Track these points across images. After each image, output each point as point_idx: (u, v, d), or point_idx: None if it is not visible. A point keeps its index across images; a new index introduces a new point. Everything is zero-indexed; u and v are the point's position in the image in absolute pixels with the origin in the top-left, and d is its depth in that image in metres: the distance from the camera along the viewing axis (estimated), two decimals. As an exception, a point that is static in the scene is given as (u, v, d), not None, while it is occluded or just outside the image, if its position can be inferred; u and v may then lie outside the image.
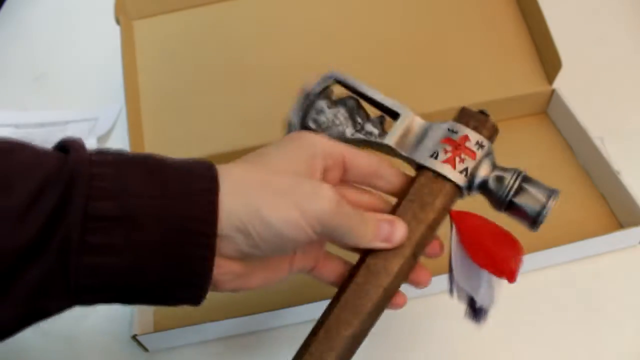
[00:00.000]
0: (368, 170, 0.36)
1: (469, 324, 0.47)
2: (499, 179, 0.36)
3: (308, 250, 0.37)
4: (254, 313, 0.46)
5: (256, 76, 0.61)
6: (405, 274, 0.35)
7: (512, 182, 0.36)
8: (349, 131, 0.39)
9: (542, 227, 0.52)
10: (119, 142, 0.66)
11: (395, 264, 0.34)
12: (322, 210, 0.30)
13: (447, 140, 0.36)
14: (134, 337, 0.46)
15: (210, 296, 0.46)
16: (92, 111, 0.70)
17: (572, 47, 0.58)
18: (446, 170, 0.35)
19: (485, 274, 0.36)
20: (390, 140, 0.38)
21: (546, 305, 0.48)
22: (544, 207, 0.36)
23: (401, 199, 0.36)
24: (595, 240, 0.48)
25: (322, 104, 0.41)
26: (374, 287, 0.33)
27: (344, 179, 0.36)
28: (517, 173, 0.37)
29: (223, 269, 0.31)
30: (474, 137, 0.36)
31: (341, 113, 0.40)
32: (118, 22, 0.62)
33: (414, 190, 0.35)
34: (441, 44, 0.62)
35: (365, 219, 0.33)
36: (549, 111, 0.62)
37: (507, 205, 0.36)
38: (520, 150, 0.59)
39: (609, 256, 0.50)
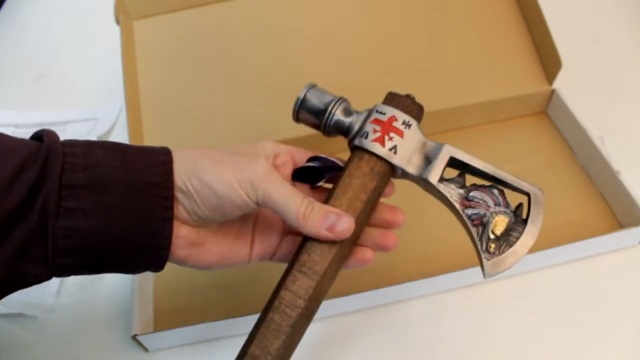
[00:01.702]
0: None
1: (469, 324, 0.48)
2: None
3: (266, 236, 0.40)
4: (253, 313, 0.46)
5: (256, 76, 0.61)
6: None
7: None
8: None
9: (543, 227, 0.52)
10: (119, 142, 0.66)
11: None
12: (253, 174, 0.34)
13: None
14: (134, 337, 0.46)
15: (211, 296, 0.46)
16: (92, 111, 0.70)
17: (572, 47, 0.58)
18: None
19: None
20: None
21: (546, 305, 0.48)
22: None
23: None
24: (595, 240, 0.48)
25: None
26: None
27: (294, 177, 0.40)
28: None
29: (176, 230, 0.34)
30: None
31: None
32: (118, 22, 0.62)
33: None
34: (441, 44, 0.62)
35: (309, 203, 0.35)
36: (549, 111, 0.62)
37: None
38: (520, 150, 0.59)
39: (609, 256, 0.50)
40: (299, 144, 0.58)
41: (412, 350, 0.47)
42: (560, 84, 0.59)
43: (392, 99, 0.39)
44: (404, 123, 0.37)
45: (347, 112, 0.39)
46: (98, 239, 0.32)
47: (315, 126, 0.41)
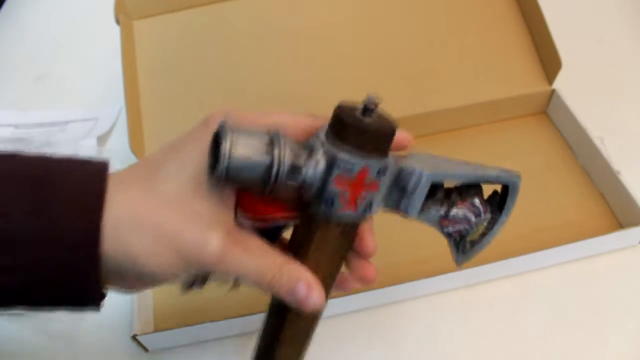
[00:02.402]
0: (302, 132, 0.32)
1: (469, 324, 0.48)
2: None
3: None
4: (253, 313, 0.46)
5: (256, 76, 0.61)
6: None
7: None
8: None
9: (543, 227, 0.53)
10: (119, 142, 0.66)
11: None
12: (204, 261, 0.29)
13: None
14: (134, 337, 0.46)
15: (211, 296, 0.46)
16: (92, 111, 0.70)
17: (572, 47, 0.58)
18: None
19: None
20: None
21: (546, 305, 0.48)
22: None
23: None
24: (595, 240, 0.48)
25: None
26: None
27: None
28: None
29: (110, 286, 0.31)
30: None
31: None
32: (118, 22, 0.62)
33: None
34: (441, 44, 0.62)
35: (280, 270, 0.30)
36: (549, 111, 0.62)
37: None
38: (520, 150, 0.59)
39: (609, 256, 0.50)
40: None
41: (411, 350, 0.47)
42: (560, 84, 0.59)
43: (352, 131, 0.28)
44: (378, 172, 0.29)
45: (296, 155, 0.29)
46: (17, 296, 0.28)
47: (251, 186, 0.29)
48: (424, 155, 0.31)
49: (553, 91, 0.60)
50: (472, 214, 0.33)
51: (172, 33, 0.64)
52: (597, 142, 0.54)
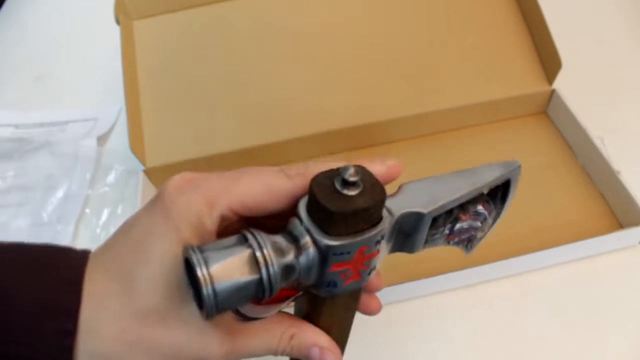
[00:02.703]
0: (257, 199, 0.28)
1: (469, 324, 0.48)
2: None
3: None
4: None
5: (256, 76, 0.61)
6: None
7: None
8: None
9: (543, 227, 0.53)
10: (119, 142, 0.66)
11: None
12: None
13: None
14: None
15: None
16: (92, 111, 0.70)
17: (572, 47, 0.58)
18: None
19: None
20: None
21: (546, 305, 0.48)
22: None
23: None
24: (595, 240, 0.48)
25: None
26: None
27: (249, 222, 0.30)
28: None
29: None
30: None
31: None
32: (118, 22, 0.62)
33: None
34: (441, 44, 0.62)
35: (291, 338, 0.29)
36: (549, 111, 0.62)
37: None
38: (520, 150, 0.59)
39: (609, 256, 0.50)
40: (300, 144, 0.59)
41: (412, 350, 0.47)
42: (560, 84, 0.59)
43: (341, 218, 0.25)
44: (377, 242, 0.26)
45: (282, 252, 0.25)
46: None
47: (245, 304, 0.27)
48: (415, 185, 0.29)
49: (553, 91, 0.60)
50: (477, 221, 0.32)
51: (172, 33, 0.64)
52: (597, 142, 0.54)
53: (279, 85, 0.61)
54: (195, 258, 0.24)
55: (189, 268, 0.25)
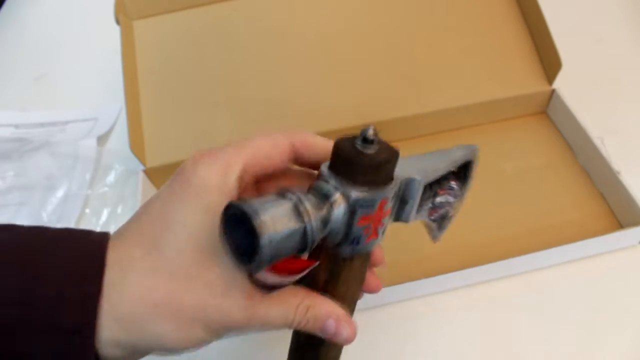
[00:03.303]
0: (324, 154, 0.32)
1: (469, 324, 0.48)
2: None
3: None
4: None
5: (256, 76, 0.61)
6: None
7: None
8: None
9: (543, 227, 0.53)
10: (119, 142, 0.66)
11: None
12: (233, 327, 0.28)
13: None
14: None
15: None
16: (92, 111, 0.70)
17: (572, 47, 0.58)
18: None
19: None
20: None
21: (546, 305, 0.48)
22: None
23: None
24: (595, 240, 0.48)
25: None
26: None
27: (298, 163, 0.33)
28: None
29: None
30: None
31: None
32: (118, 22, 0.62)
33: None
34: (441, 44, 0.62)
35: (306, 311, 0.30)
36: (549, 111, 0.62)
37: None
38: (520, 150, 0.59)
39: (609, 256, 0.50)
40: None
41: (411, 350, 0.47)
42: (560, 84, 0.59)
43: (364, 169, 0.28)
44: (393, 197, 0.29)
45: (318, 207, 0.27)
46: None
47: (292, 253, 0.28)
48: (401, 161, 0.30)
49: (553, 91, 0.60)
50: (452, 197, 0.34)
51: (172, 33, 0.64)
52: (597, 142, 0.54)
53: (278, 85, 0.61)
54: (250, 209, 0.24)
55: (232, 222, 0.26)
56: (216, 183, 0.29)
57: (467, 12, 0.63)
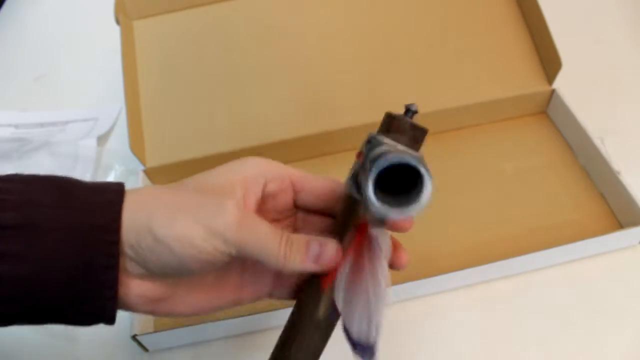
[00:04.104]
0: (323, 191, 0.35)
1: (469, 324, 0.48)
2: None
3: (259, 278, 0.35)
4: (254, 313, 0.46)
5: (256, 76, 0.61)
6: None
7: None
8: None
9: (543, 227, 0.53)
10: (119, 142, 0.66)
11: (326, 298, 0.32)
12: (223, 225, 0.29)
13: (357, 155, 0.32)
14: (134, 337, 0.46)
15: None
16: (92, 111, 0.70)
17: (572, 47, 0.58)
18: (345, 185, 0.32)
19: (362, 299, 0.31)
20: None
21: (546, 305, 0.48)
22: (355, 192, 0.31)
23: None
24: (595, 240, 0.48)
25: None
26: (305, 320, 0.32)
27: (301, 205, 0.35)
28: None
29: (133, 289, 0.30)
30: (368, 137, 0.31)
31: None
32: (118, 22, 0.62)
33: (339, 214, 0.34)
34: (441, 44, 0.62)
35: (287, 240, 0.31)
36: (549, 111, 0.62)
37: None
38: (520, 150, 0.59)
39: (609, 256, 0.50)
40: (300, 144, 0.59)
41: (411, 350, 0.47)
42: (560, 84, 0.59)
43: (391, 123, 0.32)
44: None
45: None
46: (30, 287, 0.28)
47: None
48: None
49: (553, 91, 0.60)
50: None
51: (172, 33, 0.64)
52: (597, 142, 0.54)
53: (278, 85, 0.61)
54: (414, 159, 0.27)
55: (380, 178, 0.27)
56: (254, 161, 0.34)
57: (467, 12, 0.63)
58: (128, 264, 0.30)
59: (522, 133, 0.61)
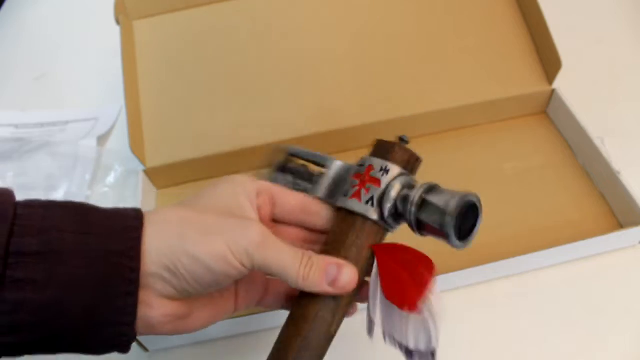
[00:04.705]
0: (295, 206, 0.36)
1: (469, 324, 0.48)
2: (404, 199, 0.33)
3: (251, 285, 0.37)
4: (254, 313, 0.46)
5: (256, 76, 0.61)
6: (343, 315, 0.34)
7: (414, 197, 0.33)
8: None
9: (543, 227, 0.53)
10: (119, 142, 0.66)
11: (340, 312, 0.34)
12: (248, 242, 0.31)
13: (356, 175, 0.35)
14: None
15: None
16: (92, 111, 0.70)
17: (572, 47, 0.58)
18: (353, 204, 0.34)
19: (397, 311, 0.34)
20: (318, 191, 0.37)
21: (546, 305, 0.48)
22: (444, 215, 0.32)
23: (323, 245, 0.35)
24: (595, 240, 0.48)
25: (277, 175, 0.40)
26: (317, 334, 0.33)
27: (276, 218, 0.37)
28: (423, 187, 0.33)
29: (160, 310, 0.31)
30: (377, 164, 0.34)
31: (288, 179, 0.40)
32: (118, 22, 0.62)
33: (332, 232, 0.35)
34: (441, 44, 0.62)
35: (309, 261, 0.32)
36: (549, 111, 0.62)
37: (418, 225, 0.34)
38: (520, 150, 0.59)
39: (609, 256, 0.50)
40: (300, 144, 0.59)
41: (412, 350, 0.47)
42: (560, 84, 0.59)
43: (375, 147, 0.36)
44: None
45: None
46: (50, 314, 0.28)
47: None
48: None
49: (553, 91, 0.60)
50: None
51: (172, 33, 0.64)
52: (597, 142, 0.54)
53: (279, 85, 0.61)
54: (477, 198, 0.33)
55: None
56: (242, 179, 0.35)
57: (467, 12, 0.63)
58: (160, 286, 0.31)
59: (522, 133, 0.61)
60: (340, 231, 0.35)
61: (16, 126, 0.69)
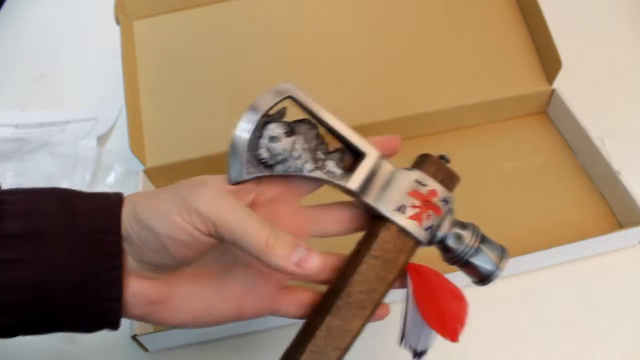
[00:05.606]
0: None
1: (469, 324, 0.47)
2: (459, 237, 0.35)
3: (261, 289, 0.34)
4: (254, 313, 0.46)
5: (256, 76, 0.61)
6: (362, 328, 0.34)
7: (471, 242, 0.35)
8: (308, 167, 0.33)
9: (543, 227, 0.53)
10: (119, 142, 0.66)
11: (355, 325, 0.33)
12: (198, 201, 0.29)
13: (415, 193, 0.33)
14: (134, 337, 0.46)
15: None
16: (92, 111, 0.70)
17: (572, 47, 0.58)
18: (412, 227, 0.33)
19: (434, 333, 0.36)
20: (354, 184, 0.33)
21: (546, 305, 0.48)
22: (496, 268, 0.36)
23: (362, 252, 0.33)
24: (595, 240, 0.48)
25: (277, 129, 0.35)
26: (334, 349, 0.32)
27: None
28: (476, 233, 0.35)
29: (128, 288, 0.31)
30: (441, 192, 0.34)
31: (299, 143, 0.34)
32: (118, 22, 0.62)
33: (377, 245, 0.33)
34: (441, 44, 0.62)
35: (273, 230, 0.30)
36: (549, 111, 0.62)
37: (463, 263, 0.36)
38: (520, 150, 0.59)
39: (609, 256, 0.50)
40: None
41: (412, 350, 0.47)
42: (560, 84, 0.59)
43: (428, 164, 0.35)
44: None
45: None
46: (39, 292, 0.29)
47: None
48: None
49: (553, 91, 0.60)
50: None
51: (172, 33, 0.64)
52: (597, 142, 0.54)
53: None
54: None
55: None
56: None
57: (467, 12, 0.63)
58: (125, 261, 0.31)
59: (522, 133, 0.61)
60: (385, 248, 0.33)
61: (16, 126, 0.69)
